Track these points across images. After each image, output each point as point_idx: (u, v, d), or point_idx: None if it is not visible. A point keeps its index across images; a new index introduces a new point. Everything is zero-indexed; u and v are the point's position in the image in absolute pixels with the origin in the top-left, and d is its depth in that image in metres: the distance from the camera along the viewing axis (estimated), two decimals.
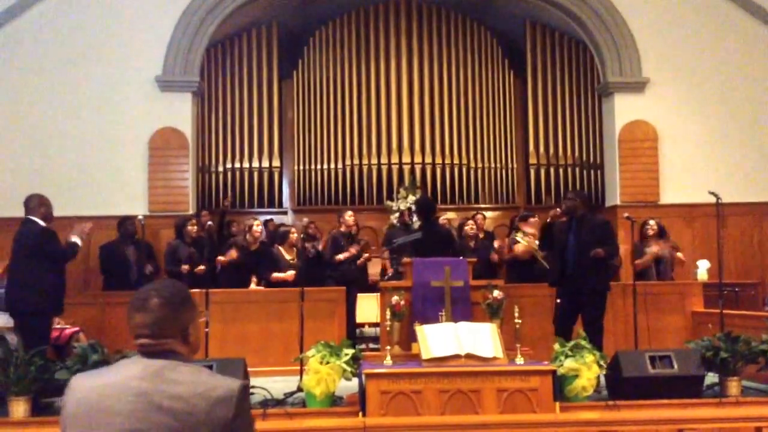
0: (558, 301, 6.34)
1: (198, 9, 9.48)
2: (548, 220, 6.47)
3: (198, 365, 1.77)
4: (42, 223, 5.66)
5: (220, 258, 7.57)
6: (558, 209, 6.46)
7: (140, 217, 6.89)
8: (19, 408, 4.95)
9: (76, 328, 6.47)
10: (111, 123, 9.25)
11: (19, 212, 5.88)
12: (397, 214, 9.71)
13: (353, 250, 7.77)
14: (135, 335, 1.74)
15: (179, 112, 9.43)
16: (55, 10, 9.32)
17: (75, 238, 5.78)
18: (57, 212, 5.96)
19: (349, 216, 8.06)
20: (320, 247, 8.00)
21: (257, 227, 7.80)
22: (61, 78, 9.23)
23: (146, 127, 9.30)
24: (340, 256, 7.70)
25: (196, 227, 7.84)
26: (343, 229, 8.00)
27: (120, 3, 9.38)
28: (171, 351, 1.73)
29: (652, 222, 8.12)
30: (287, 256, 7.51)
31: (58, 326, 6.22)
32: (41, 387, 5.08)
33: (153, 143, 9.32)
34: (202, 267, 7.53)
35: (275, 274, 7.36)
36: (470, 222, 8.30)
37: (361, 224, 10.15)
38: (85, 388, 1.73)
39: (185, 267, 7.44)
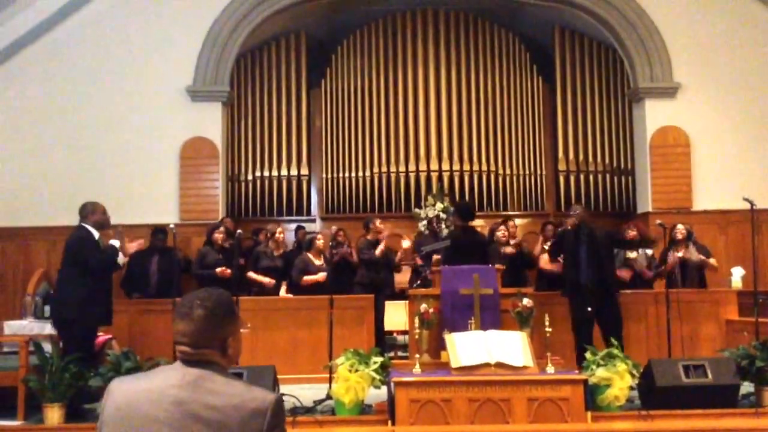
0: (574, 310, 6.38)
1: (227, 20, 9.60)
2: (560, 229, 6.75)
3: (233, 376, 1.79)
4: (92, 230, 5.65)
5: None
6: (572, 219, 6.63)
7: (171, 225, 6.99)
8: (53, 414, 5.04)
9: (109, 336, 6.55)
10: (142, 133, 9.39)
11: (54, 221, 5.97)
12: (425, 222, 9.68)
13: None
14: (175, 342, 1.78)
15: (209, 122, 9.55)
16: (87, 23, 9.49)
17: (114, 243, 5.73)
18: None
19: (379, 223, 8.12)
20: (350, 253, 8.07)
21: (279, 234, 8.05)
22: (92, 89, 9.38)
23: (177, 136, 9.43)
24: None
25: (222, 234, 7.92)
26: (370, 236, 8.03)
27: (150, 15, 9.53)
28: (209, 361, 1.75)
29: (680, 226, 7.95)
30: (316, 262, 7.60)
31: None
32: (76, 394, 5.17)
33: (184, 152, 9.45)
34: (228, 271, 7.60)
35: (306, 277, 7.45)
36: (502, 228, 8.23)
37: (389, 232, 10.20)
38: (123, 392, 1.75)
39: (219, 270, 7.53)
